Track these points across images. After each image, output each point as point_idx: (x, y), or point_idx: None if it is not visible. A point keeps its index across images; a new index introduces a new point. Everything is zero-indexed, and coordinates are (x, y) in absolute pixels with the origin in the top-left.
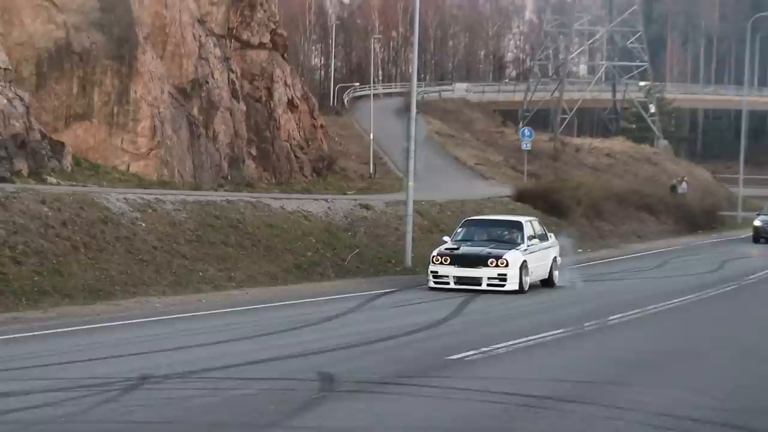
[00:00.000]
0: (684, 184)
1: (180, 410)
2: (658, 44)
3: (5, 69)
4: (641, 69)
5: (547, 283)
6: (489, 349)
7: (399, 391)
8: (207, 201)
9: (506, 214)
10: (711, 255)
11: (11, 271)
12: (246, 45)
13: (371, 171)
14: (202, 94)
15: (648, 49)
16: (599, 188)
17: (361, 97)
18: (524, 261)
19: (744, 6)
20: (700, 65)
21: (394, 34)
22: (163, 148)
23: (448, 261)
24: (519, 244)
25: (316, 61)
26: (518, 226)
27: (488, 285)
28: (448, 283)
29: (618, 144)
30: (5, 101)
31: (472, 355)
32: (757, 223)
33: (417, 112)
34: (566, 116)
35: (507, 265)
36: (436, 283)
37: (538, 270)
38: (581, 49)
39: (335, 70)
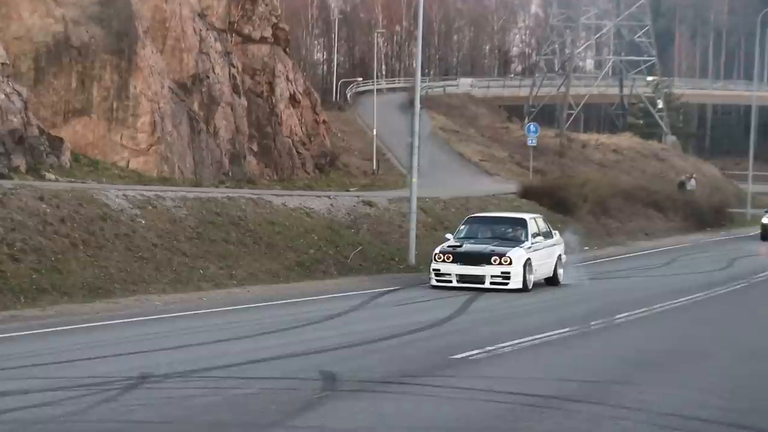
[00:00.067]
0: (692, 181)
1: (180, 410)
2: (666, 38)
3: (3, 63)
4: (649, 64)
5: (552, 281)
6: (493, 348)
7: (402, 390)
8: (208, 198)
9: (511, 211)
10: (719, 253)
11: (9, 268)
12: (247, 39)
13: (374, 167)
14: (203, 89)
15: (656, 43)
16: (606, 185)
17: (364, 92)
18: (528, 259)
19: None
20: (708, 60)
21: (397, 28)
22: (163, 144)
23: (451, 259)
24: (523, 242)
25: (319, 55)
26: (522, 223)
27: (491, 283)
28: (450, 282)
29: (625, 140)
30: (3, 96)
31: (476, 354)
32: (765, 220)
33: (421, 108)
34: (572, 112)
35: (510, 263)
36: (438, 281)
37: (543, 268)
38: (588, 43)
39: (338, 64)
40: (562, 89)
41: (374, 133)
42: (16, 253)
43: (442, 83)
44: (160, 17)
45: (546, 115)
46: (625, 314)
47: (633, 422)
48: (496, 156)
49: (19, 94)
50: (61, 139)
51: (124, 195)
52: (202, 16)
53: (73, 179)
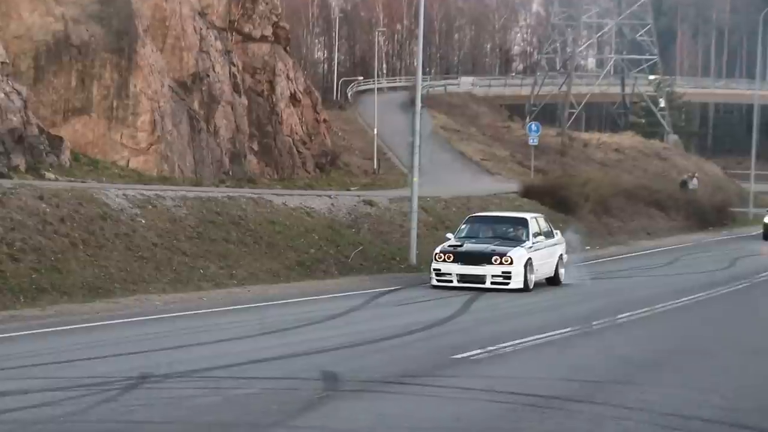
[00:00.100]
0: (694, 180)
1: (181, 410)
2: (667, 37)
3: (2, 62)
4: (651, 62)
5: (553, 281)
6: (495, 348)
7: (403, 390)
8: (208, 197)
9: (513, 210)
10: (721, 252)
11: (9, 268)
12: (247, 38)
13: (375, 166)
14: (203, 88)
15: (658, 42)
16: (608, 184)
17: (364, 91)
18: (529, 258)
19: None
20: (710, 58)
21: (398, 26)
22: (163, 143)
23: (451, 258)
24: (524, 242)
25: (319, 54)
26: (523, 222)
27: (492, 283)
28: (451, 281)
29: (627, 139)
30: (2, 95)
31: (477, 354)
32: (767, 219)
33: (422, 107)
34: (574, 111)
35: (511, 263)
36: (438, 281)
37: (544, 268)
38: (589, 42)
39: (339, 63)
40: (564, 88)
41: (375, 132)
42: (16, 252)
43: (443, 82)
44: (160, 16)
45: (547, 114)
46: (627, 314)
47: (635, 422)
48: (498, 155)
49: (19, 93)
50: (60, 138)
51: (124, 194)
52: (202, 14)
53: (72, 178)
